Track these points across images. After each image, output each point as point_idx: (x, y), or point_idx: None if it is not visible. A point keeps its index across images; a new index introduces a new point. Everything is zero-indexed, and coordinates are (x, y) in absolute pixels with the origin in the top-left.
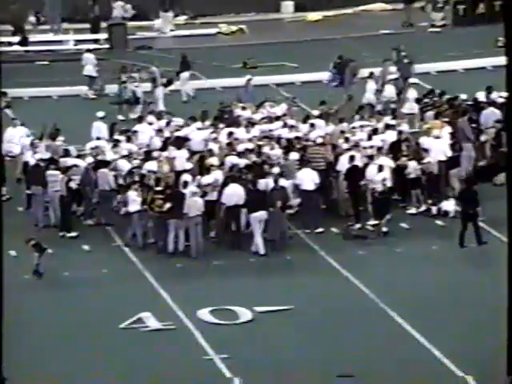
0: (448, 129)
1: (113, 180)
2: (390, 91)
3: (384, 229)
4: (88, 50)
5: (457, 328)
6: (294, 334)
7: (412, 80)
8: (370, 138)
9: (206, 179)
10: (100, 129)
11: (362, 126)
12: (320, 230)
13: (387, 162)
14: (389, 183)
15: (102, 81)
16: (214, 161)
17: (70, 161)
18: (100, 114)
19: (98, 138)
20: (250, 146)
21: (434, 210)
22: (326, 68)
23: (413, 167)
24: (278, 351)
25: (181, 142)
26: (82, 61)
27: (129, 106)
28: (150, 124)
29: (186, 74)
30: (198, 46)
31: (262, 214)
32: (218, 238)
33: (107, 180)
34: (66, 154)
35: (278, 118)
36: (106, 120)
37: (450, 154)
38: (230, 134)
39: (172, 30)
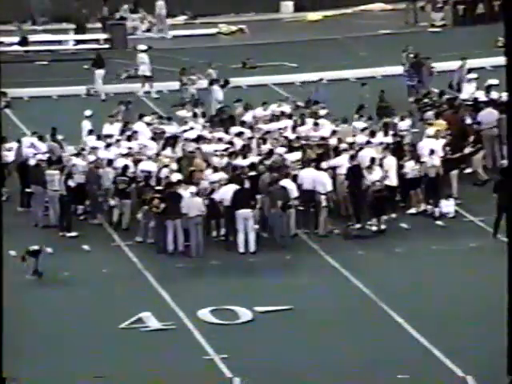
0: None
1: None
2: (468, 90)
3: (381, 226)
4: (142, 51)
5: (457, 327)
6: (294, 334)
7: (471, 75)
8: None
9: (214, 176)
10: (86, 128)
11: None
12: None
13: (392, 161)
14: (389, 182)
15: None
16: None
17: (71, 160)
18: (87, 112)
19: (91, 131)
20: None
21: (435, 210)
22: (328, 68)
23: (410, 167)
24: (278, 351)
25: (170, 142)
26: (137, 60)
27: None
28: (148, 124)
29: (100, 72)
30: (197, 46)
31: (246, 212)
32: (218, 238)
33: (108, 178)
34: (59, 155)
35: (290, 117)
36: (91, 119)
37: (441, 154)
38: (239, 134)
39: (146, 31)
